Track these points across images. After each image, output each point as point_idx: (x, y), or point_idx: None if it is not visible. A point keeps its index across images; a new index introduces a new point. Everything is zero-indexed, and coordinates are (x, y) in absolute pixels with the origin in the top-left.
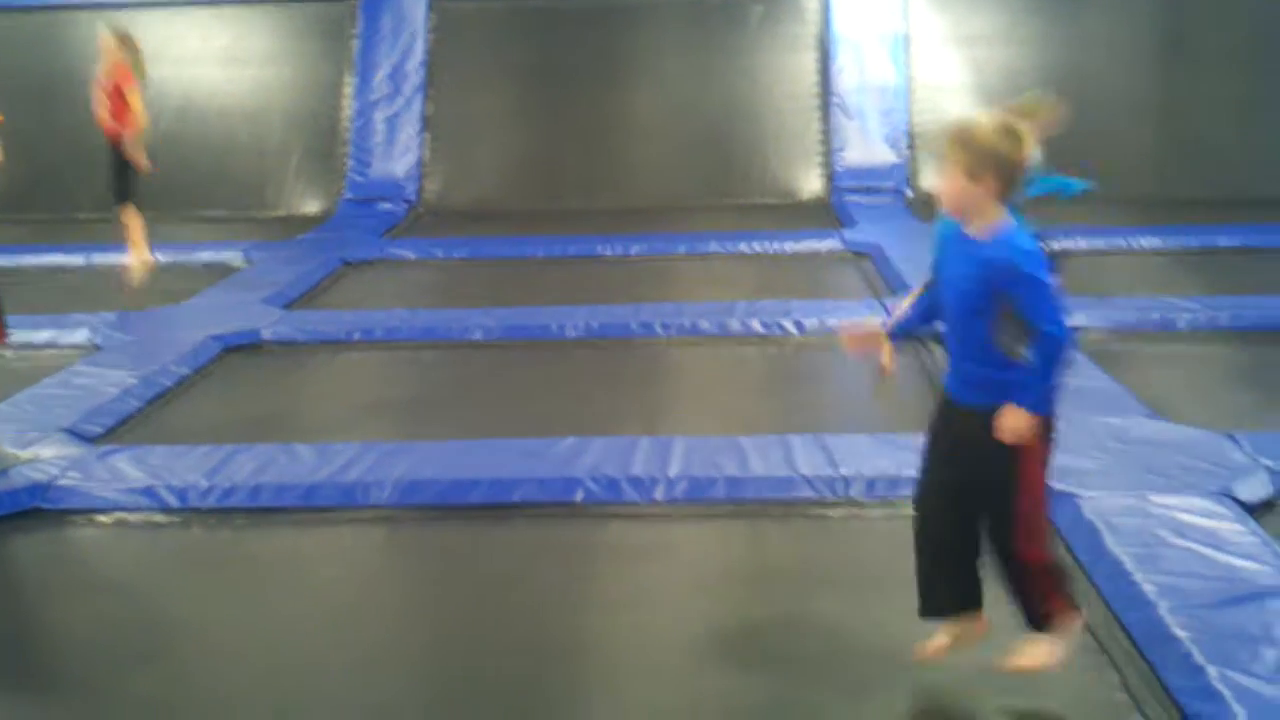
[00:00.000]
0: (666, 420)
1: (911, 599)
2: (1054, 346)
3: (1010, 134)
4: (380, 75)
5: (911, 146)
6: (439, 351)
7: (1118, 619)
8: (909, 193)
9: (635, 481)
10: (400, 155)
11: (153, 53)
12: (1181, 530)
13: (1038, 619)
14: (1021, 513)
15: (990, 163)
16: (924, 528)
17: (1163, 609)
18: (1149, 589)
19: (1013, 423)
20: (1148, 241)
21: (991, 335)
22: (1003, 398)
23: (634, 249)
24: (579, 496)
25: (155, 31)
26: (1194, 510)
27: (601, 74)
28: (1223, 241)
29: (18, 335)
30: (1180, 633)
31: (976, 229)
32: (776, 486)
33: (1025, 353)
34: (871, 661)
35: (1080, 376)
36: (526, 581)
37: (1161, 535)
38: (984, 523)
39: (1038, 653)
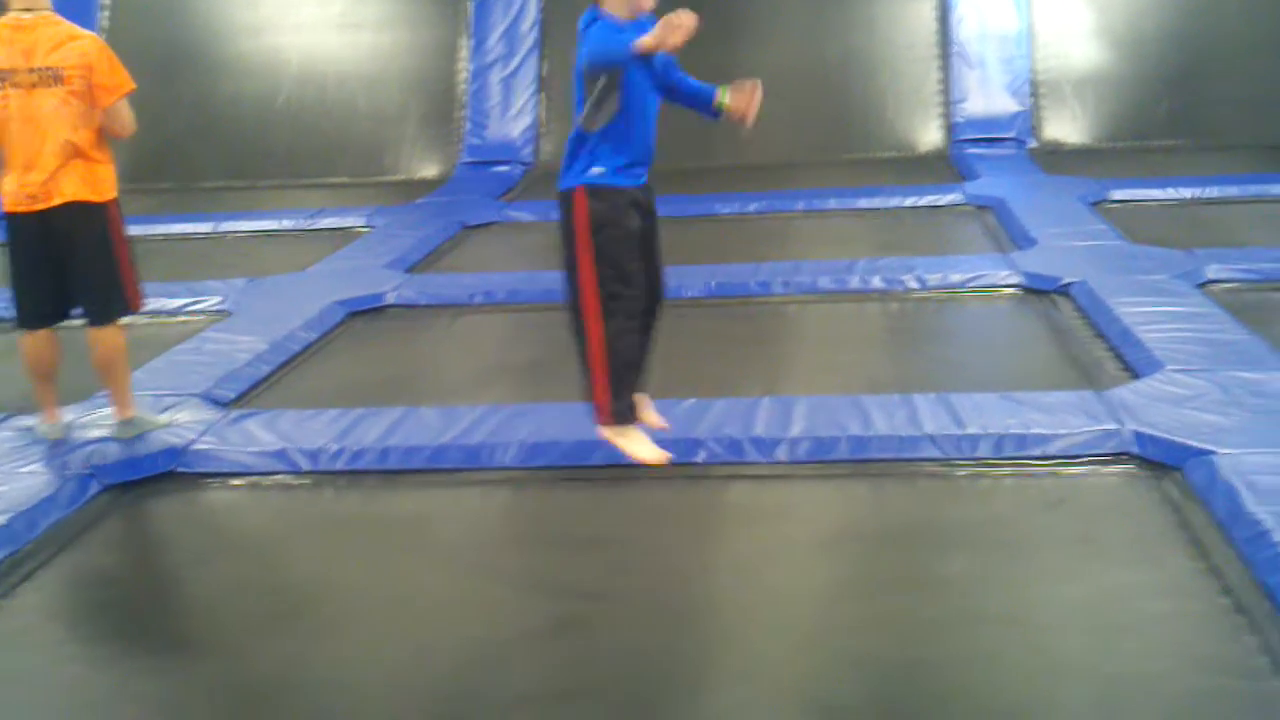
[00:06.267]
0: (788, 380)
1: (1040, 560)
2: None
3: None
4: (494, 37)
5: (1035, 95)
6: (558, 313)
7: (1259, 582)
8: (1032, 143)
9: (758, 442)
10: (516, 117)
11: (271, 21)
12: None
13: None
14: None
15: None
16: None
17: None
18: None
19: None
20: None
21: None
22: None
23: (752, 207)
24: (701, 457)
25: None
26: None
27: (714, 29)
28: None
29: (151, 303)
30: None
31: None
32: (901, 446)
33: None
34: (1001, 624)
35: (1215, 329)
36: (650, 543)
37: None
38: None
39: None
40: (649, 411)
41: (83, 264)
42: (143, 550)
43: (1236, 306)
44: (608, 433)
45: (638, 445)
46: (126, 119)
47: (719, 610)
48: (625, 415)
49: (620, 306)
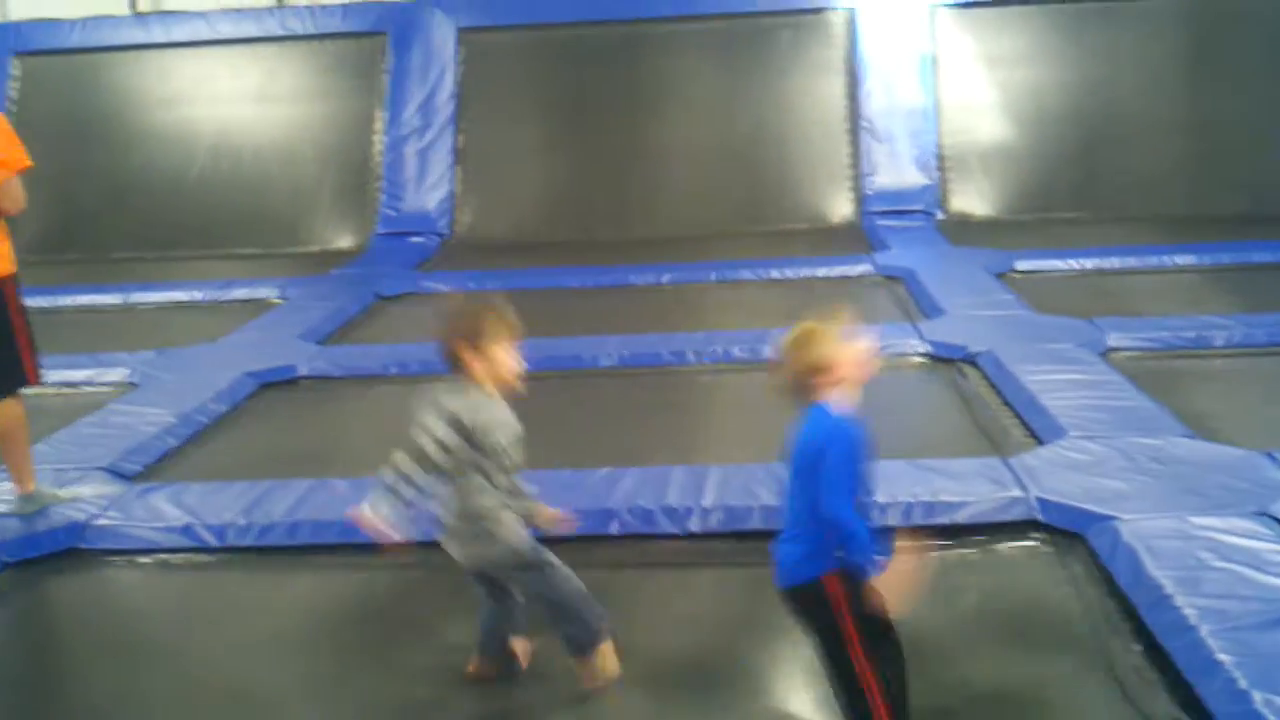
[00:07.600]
0: (701, 449)
1: (951, 624)
2: None
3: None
4: (411, 109)
5: (941, 169)
6: None
7: (1160, 644)
8: (940, 215)
9: (670, 512)
10: (432, 188)
11: (185, 92)
12: (1223, 552)
13: None
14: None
15: None
16: None
17: (1205, 633)
18: (1190, 613)
19: None
20: (1182, 259)
21: None
22: None
23: (665, 278)
24: (614, 528)
25: (187, 71)
26: (1235, 531)
27: (630, 102)
28: (1258, 258)
29: (56, 374)
30: (1224, 657)
31: None
32: None
33: None
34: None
35: (1117, 396)
36: None
37: (1202, 557)
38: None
39: None
40: None
41: None
42: (43, 632)
43: (1137, 374)
44: None
45: None
46: (17, 195)
47: (632, 682)
48: None
49: (896, 680)
